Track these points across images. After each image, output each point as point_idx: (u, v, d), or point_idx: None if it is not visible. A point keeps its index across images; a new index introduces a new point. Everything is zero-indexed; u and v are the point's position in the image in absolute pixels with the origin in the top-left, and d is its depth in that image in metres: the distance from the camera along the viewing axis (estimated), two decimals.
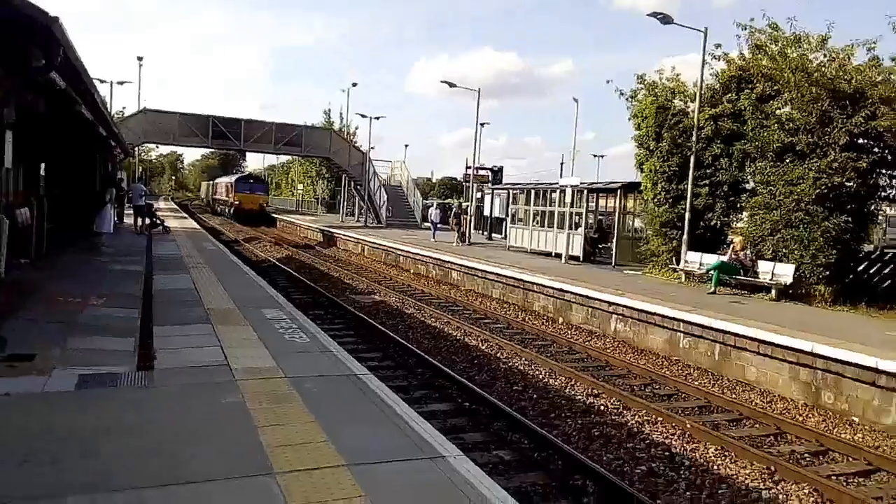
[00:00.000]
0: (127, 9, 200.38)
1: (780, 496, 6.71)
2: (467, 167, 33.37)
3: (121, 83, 40.82)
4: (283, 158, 59.52)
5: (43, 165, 15.41)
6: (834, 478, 7.27)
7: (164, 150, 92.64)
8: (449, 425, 8.14)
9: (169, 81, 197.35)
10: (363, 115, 42.73)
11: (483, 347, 12.62)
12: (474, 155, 32.60)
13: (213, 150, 75.25)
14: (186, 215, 45.82)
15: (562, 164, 59.42)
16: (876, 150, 15.41)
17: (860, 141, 15.27)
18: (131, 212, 26.38)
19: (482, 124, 38.10)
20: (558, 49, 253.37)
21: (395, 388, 7.76)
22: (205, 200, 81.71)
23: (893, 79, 15.06)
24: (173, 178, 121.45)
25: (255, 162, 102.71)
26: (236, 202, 50.22)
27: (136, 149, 40.27)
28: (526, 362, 11.59)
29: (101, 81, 37.40)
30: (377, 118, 42.91)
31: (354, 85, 66.28)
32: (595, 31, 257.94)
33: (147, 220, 24.61)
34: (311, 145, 40.81)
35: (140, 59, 43.60)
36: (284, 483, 4.06)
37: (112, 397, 5.66)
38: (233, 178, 56.45)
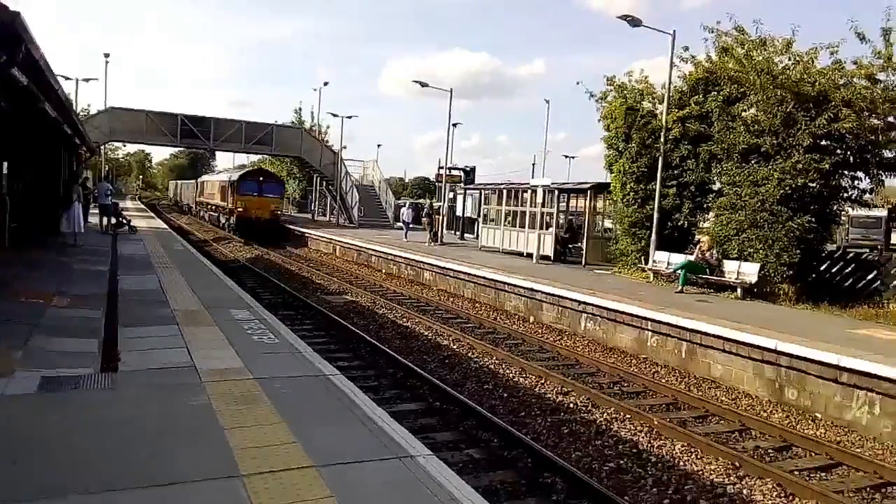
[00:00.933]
0: (94, 5, 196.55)
1: (745, 491, 6.84)
2: (440, 167, 33.34)
3: (87, 80, 40.08)
4: (254, 157, 58.63)
5: (6, 164, 15.05)
6: (797, 472, 7.42)
7: (132, 148, 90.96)
8: (419, 425, 8.14)
9: (137, 80, 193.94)
10: (335, 115, 42.40)
11: (454, 347, 12.64)
12: (446, 155, 32.64)
13: (181, 148, 74.05)
14: (154, 215, 45.09)
15: (533, 164, 59.89)
16: (838, 151, 15.78)
17: (823, 143, 15.62)
18: (97, 211, 25.89)
19: (454, 124, 38.16)
20: (530, 50, 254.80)
21: (365, 389, 7.76)
22: (173, 200, 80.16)
23: (855, 82, 15.42)
24: (141, 177, 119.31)
25: (224, 161, 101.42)
26: (240, 208, 34.63)
27: (103, 147, 39.53)
28: (497, 361, 11.64)
29: (66, 78, 36.65)
30: (349, 117, 42.61)
31: (326, 84, 65.87)
32: (568, 32, 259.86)
33: (113, 220, 24.18)
34: (281, 144, 40.50)
35: (107, 55, 42.88)
36: (251, 485, 4.02)
37: (75, 399, 5.56)
38: (233, 175, 39.07)
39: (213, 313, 9.63)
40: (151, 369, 6.50)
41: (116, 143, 57.87)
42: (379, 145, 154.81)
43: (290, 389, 6.13)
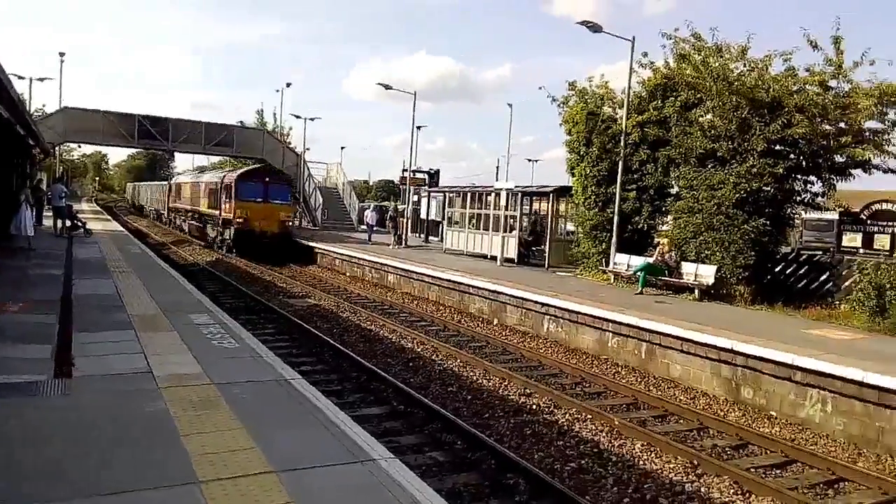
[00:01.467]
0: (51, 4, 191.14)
1: (703, 489, 6.97)
2: (404, 170, 33.29)
3: (41, 80, 39.00)
4: (214, 159, 57.67)
5: None
6: (753, 470, 7.59)
7: (88, 149, 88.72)
8: (383, 429, 8.12)
9: (99, 82, 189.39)
10: (297, 116, 42.04)
11: (419, 350, 12.62)
12: (411, 157, 32.61)
13: (139, 150, 72.49)
14: (110, 217, 44.03)
15: (497, 167, 60.16)
16: (792, 156, 16.23)
17: (777, 148, 16.05)
18: (51, 213, 25.18)
19: (419, 127, 38.07)
20: (497, 54, 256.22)
21: (328, 393, 7.69)
22: (131, 203, 78.27)
23: (808, 88, 15.87)
24: (97, 179, 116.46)
25: (184, 163, 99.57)
26: (239, 218, 27.30)
27: (57, 148, 38.48)
28: (461, 364, 11.66)
29: (20, 77, 35.65)
30: (312, 119, 42.43)
31: (288, 85, 65.43)
32: (534, 36, 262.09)
33: (68, 223, 23.55)
34: (243, 146, 39.94)
35: (62, 55, 41.80)
36: (209, 491, 3.95)
37: (28, 406, 5.39)
38: (228, 175, 30.73)
39: (171, 318, 9.45)
40: (107, 375, 6.34)
41: (72, 145, 56.37)
42: (342, 147, 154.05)
43: (250, 394, 6.05)
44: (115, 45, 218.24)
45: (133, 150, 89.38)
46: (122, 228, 33.20)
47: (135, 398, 5.69)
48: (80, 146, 66.01)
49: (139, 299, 10.97)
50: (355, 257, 24.01)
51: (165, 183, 48.97)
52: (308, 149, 43.45)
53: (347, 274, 24.10)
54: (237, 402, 5.74)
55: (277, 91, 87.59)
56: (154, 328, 8.66)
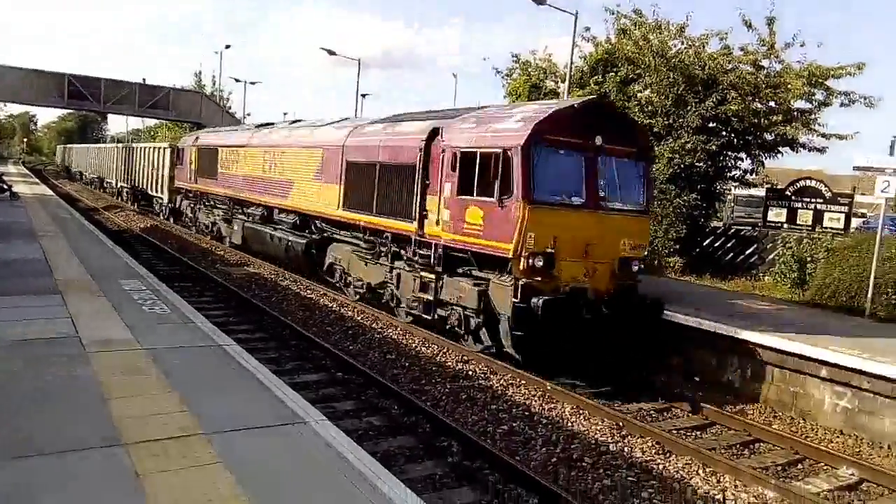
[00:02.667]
0: None
1: (626, 449, 7.29)
2: None
3: None
4: (150, 123, 55.54)
5: None
6: (675, 432, 7.98)
7: (15, 109, 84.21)
8: (321, 395, 8.16)
9: (25, 39, 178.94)
10: (237, 80, 41.13)
11: (359, 318, 12.63)
12: None
13: (69, 111, 69.18)
14: (39, 181, 42.07)
15: None
16: (724, 133, 16.78)
17: (711, 125, 16.56)
18: None
19: (363, 95, 37.56)
20: (446, 23, 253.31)
21: (265, 360, 7.69)
22: (62, 166, 74.85)
23: (741, 67, 16.38)
24: (25, 140, 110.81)
25: (117, 126, 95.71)
26: (536, 258, 8.89)
27: None
28: (401, 332, 11.74)
29: None
30: (253, 83, 41.20)
31: (228, 47, 62.89)
32: (483, 7, 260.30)
33: None
34: (180, 109, 38.70)
35: None
36: (136, 453, 3.94)
37: None
38: (512, 118, 9.57)
39: (100, 283, 9.20)
40: (31, 340, 6.17)
41: None
42: (285, 113, 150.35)
43: (182, 360, 5.99)
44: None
45: (63, 112, 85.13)
46: (51, 192, 31.79)
47: (60, 363, 5.57)
48: (5, 105, 62.61)
49: (67, 264, 10.62)
50: None
51: (115, 146, 38.62)
52: (249, 114, 42.38)
53: None
54: (167, 367, 5.69)
55: (216, 53, 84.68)
56: (82, 293, 8.43)
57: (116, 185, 37.17)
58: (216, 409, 4.82)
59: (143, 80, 40.39)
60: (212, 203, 21.96)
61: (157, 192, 28.65)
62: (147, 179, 29.98)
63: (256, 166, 17.65)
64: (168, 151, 26.62)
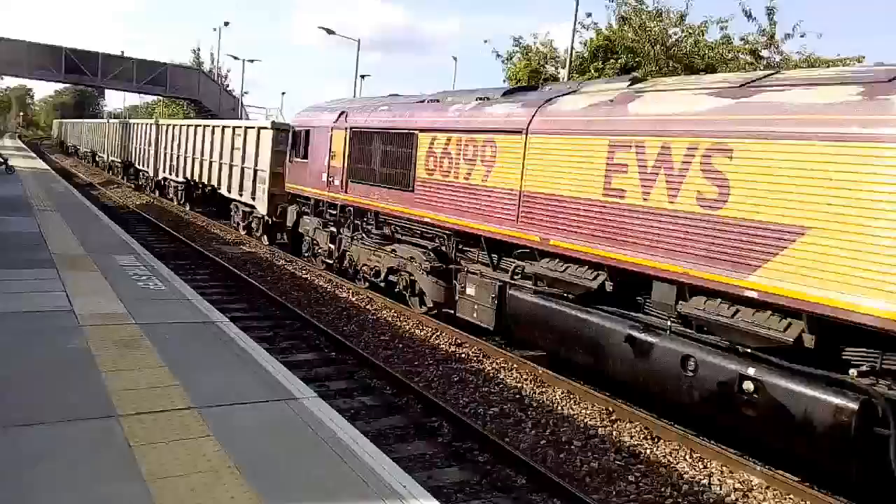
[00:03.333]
0: None
1: (615, 433, 7.38)
2: None
3: None
4: (147, 99, 55.17)
5: None
6: (665, 417, 8.04)
7: (12, 82, 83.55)
8: (314, 374, 8.22)
9: (20, 9, 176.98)
10: (236, 58, 40.60)
11: (353, 299, 12.67)
12: None
13: (66, 85, 68.63)
14: (35, 155, 41.88)
15: None
16: None
17: None
18: None
19: (363, 76, 37.35)
20: (446, 5, 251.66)
21: (259, 339, 7.73)
22: (57, 141, 74.40)
23: (741, 57, 16.36)
24: (21, 114, 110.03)
25: (115, 101, 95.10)
26: None
27: None
28: (395, 314, 11.78)
29: None
30: (251, 62, 41.08)
31: (226, 24, 62.42)
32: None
33: None
34: (177, 86, 38.47)
35: None
36: (128, 425, 3.99)
37: None
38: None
39: (96, 258, 9.22)
40: (26, 312, 6.21)
41: None
42: (283, 93, 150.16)
43: (176, 335, 6.04)
44: None
45: (60, 86, 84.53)
46: (47, 166, 31.69)
47: (55, 336, 5.61)
48: (2, 78, 62.15)
49: (63, 239, 10.63)
50: None
51: (149, 122, 29.58)
52: (247, 92, 42.18)
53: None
54: (161, 342, 5.73)
55: (214, 30, 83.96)
56: (77, 268, 8.46)
57: (156, 175, 27.77)
58: (208, 384, 4.87)
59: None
60: (389, 232, 12.43)
61: (242, 195, 19.21)
62: (221, 175, 20.62)
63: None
64: (269, 136, 17.44)
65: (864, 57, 15.52)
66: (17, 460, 3.51)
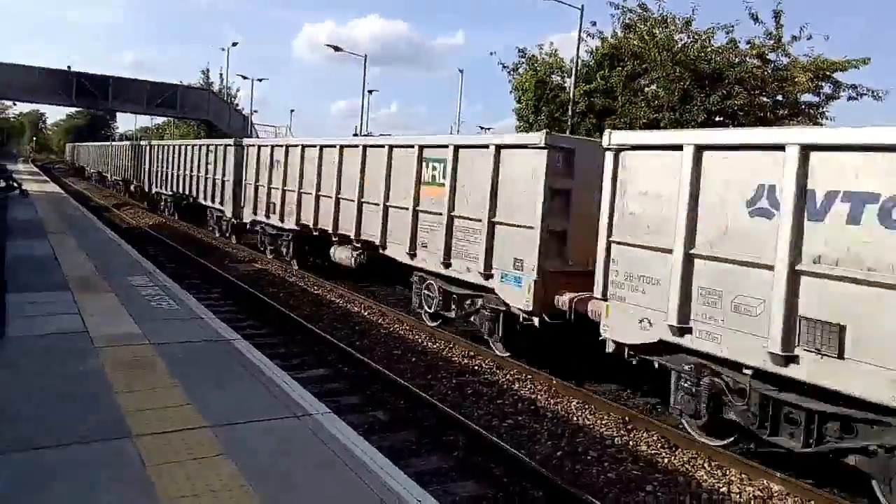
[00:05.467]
0: None
1: (631, 443, 7.31)
2: (354, 135, 32.96)
3: None
4: (158, 120, 55.74)
5: None
6: (681, 428, 7.96)
7: (25, 108, 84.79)
8: (326, 389, 8.20)
9: (27, 36, 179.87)
10: (244, 77, 40.96)
11: (366, 314, 12.68)
12: (360, 122, 32.17)
13: (78, 109, 69.56)
14: (49, 179, 42.36)
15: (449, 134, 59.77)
16: (731, 127, 16.71)
17: (717, 119, 16.51)
18: None
19: (370, 91, 37.61)
20: (450, 21, 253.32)
21: (272, 356, 7.70)
22: (70, 164, 75.26)
23: (748, 61, 16.33)
24: (34, 138, 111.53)
25: (127, 123, 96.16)
26: None
27: None
28: (407, 328, 11.77)
29: None
30: (260, 80, 41.37)
31: (235, 44, 63.32)
32: (488, 5, 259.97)
33: (2, 183, 22.65)
34: (187, 106, 38.87)
35: None
36: (142, 445, 4.00)
37: None
38: None
39: (109, 280, 9.29)
40: (41, 335, 6.26)
41: (6, 102, 53.83)
42: (292, 111, 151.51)
43: (188, 354, 6.06)
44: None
45: (72, 110, 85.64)
46: (60, 190, 32.03)
47: (69, 358, 5.64)
48: (15, 104, 63.06)
49: (76, 261, 10.73)
50: None
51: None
52: (256, 111, 42.52)
53: None
54: (174, 361, 5.75)
55: (223, 50, 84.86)
56: (91, 289, 8.52)
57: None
58: (221, 403, 4.88)
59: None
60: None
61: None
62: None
63: None
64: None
65: (869, 59, 15.47)
66: (33, 482, 3.52)
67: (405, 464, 6.05)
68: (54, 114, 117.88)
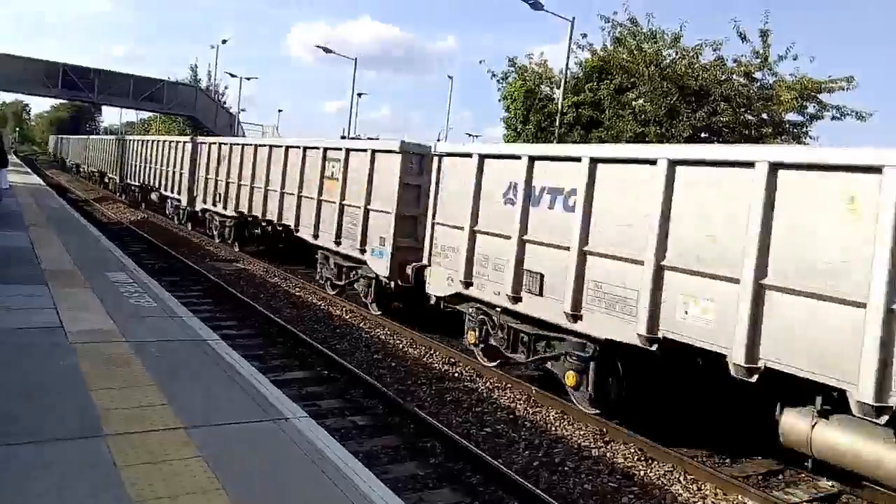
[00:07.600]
0: None
1: (608, 454, 7.32)
2: (342, 137, 32.87)
3: None
4: (144, 116, 55.22)
5: None
6: (659, 440, 7.98)
7: (8, 98, 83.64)
8: (305, 392, 8.15)
9: (20, 28, 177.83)
10: (233, 75, 40.71)
11: (347, 317, 12.62)
12: (349, 124, 32.12)
13: (63, 101, 68.69)
14: (30, 171, 41.79)
15: (437, 140, 59.93)
16: (715, 144, 16.89)
17: (702, 135, 16.68)
18: None
19: (360, 94, 37.56)
20: (443, 26, 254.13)
21: (251, 357, 7.66)
22: (52, 156, 74.40)
23: (735, 79, 16.52)
24: (18, 129, 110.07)
25: (112, 116, 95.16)
26: None
27: None
28: (388, 332, 11.73)
29: None
30: (248, 79, 41.22)
31: (224, 42, 62.72)
32: (480, 12, 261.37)
33: None
34: (174, 102, 38.59)
35: None
36: (115, 445, 3.93)
37: None
38: None
39: (87, 274, 9.16)
40: (15, 329, 6.15)
41: None
42: (280, 110, 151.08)
43: (166, 353, 5.98)
44: None
45: (56, 102, 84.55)
46: (41, 182, 31.63)
47: (43, 353, 5.55)
48: None
49: (54, 254, 10.58)
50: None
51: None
52: (244, 109, 42.32)
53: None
54: (151, 359, 5.68)
55: (212, 47, 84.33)
56: (68, 284, 8.40)
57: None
58: (197, 403, 4.82)
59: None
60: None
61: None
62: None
63: None
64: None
65: (853, 78, 15.70)
66: (4, 479, 3.44)
67: (382, 470, 6.03)
68: (38, 105, 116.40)
